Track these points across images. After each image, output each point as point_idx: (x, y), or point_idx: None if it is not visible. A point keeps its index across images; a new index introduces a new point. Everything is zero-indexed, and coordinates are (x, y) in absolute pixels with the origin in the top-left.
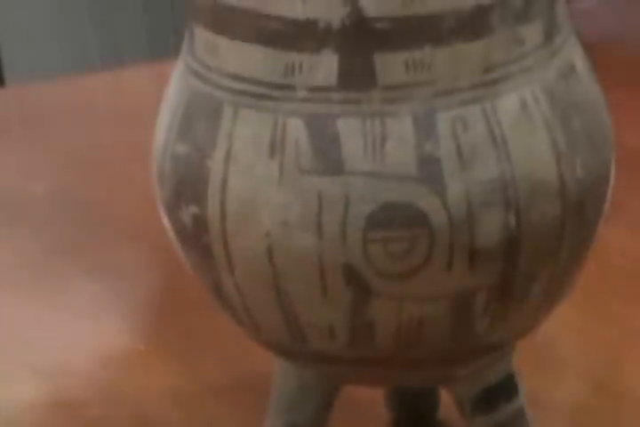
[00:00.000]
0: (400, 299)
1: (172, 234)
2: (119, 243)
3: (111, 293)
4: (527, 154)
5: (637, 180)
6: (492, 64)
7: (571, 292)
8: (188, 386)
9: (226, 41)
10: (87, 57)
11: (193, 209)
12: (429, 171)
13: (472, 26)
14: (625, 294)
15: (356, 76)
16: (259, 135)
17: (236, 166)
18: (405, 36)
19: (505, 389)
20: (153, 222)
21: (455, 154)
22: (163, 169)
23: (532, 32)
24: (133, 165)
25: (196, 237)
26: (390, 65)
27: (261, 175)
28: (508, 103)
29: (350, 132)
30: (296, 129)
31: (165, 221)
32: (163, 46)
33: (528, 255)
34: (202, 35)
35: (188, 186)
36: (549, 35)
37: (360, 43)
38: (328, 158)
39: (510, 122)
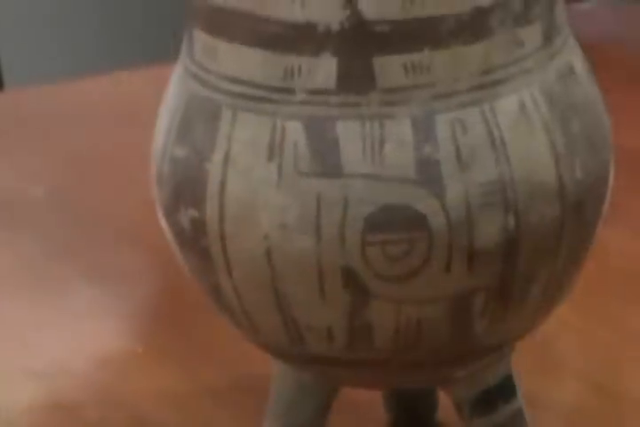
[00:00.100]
0: (399, 301)
1: (170, 237)
2: (118, 246)
3: (110, 295)
4: (526, 155)
5: (636, 181)
6: (491, 66)
7: (570, 293)
8: (186, 388)
9: (224, 44)
10: (86, 60)
11: (191, 212)
12: (428, 173)
13: (471, 28)
14: (624, 294)
15: (355, 79)
16: (257, 138)
17: (235, 169)
18: (404, 38)
19: (503, 390)
20: (152, 225)
21: (454, 156)
22: (161, 172)
23: (531, 34)
24: (133, 168)
25: (194, 239)
26: (389, 68)
27: (260, 178)
28: (506, 105)
29: (349, 135)
30: (295, 132)
31: (164, 224)
32: (162, 49)
33: (527, 256)
34: (200, 38)
35: (186, 189)
36: (549, 37)
37: (359, 46)
38: (327, 161)
39: (509, 124)
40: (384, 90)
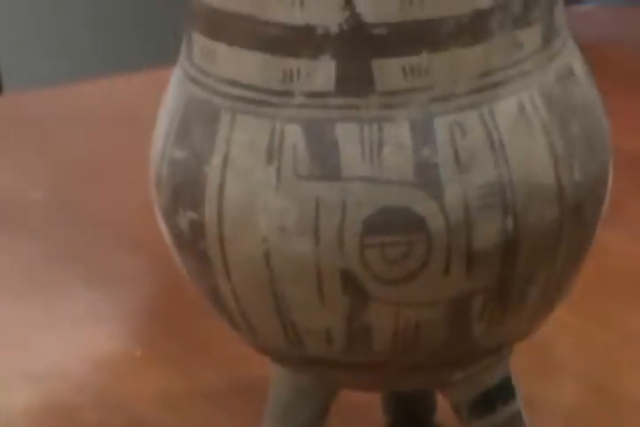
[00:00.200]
0: (397, 304)
1: (169, 239)
2: (117, 249)
3: (109, 298)
4: (525, 157)
5: (635, 182)
6: (490, 69)
7: (568, 295)
8: (184, 391)
9: (223, 47)
10: (85, 63)
11: (190, 214)
12: (427, 176)
13: (470, 31)
14: (623, 296)
15: (354, 82)
16: (256, 141)
17: (234, 172)
18: (403, 41)
19: (502, 392)
20: (151, 229)
21: (453, 159)
22: (160, 174)
23: (530, 36)
24: (132, 171)
25: (193, 242)
26: (388, 70)
27: (259, 181)
28: (505, 107)
29: (348, 138)
30: (294, 135)
31: (163, 227)
32: (161, 52)
33: (526, 258)
34: (199, 40)
35: (185, 191)
36: (548, 39)
37: (358, 48)
38: (326, 164)
39: (508, 126)
40: (383, 93)
